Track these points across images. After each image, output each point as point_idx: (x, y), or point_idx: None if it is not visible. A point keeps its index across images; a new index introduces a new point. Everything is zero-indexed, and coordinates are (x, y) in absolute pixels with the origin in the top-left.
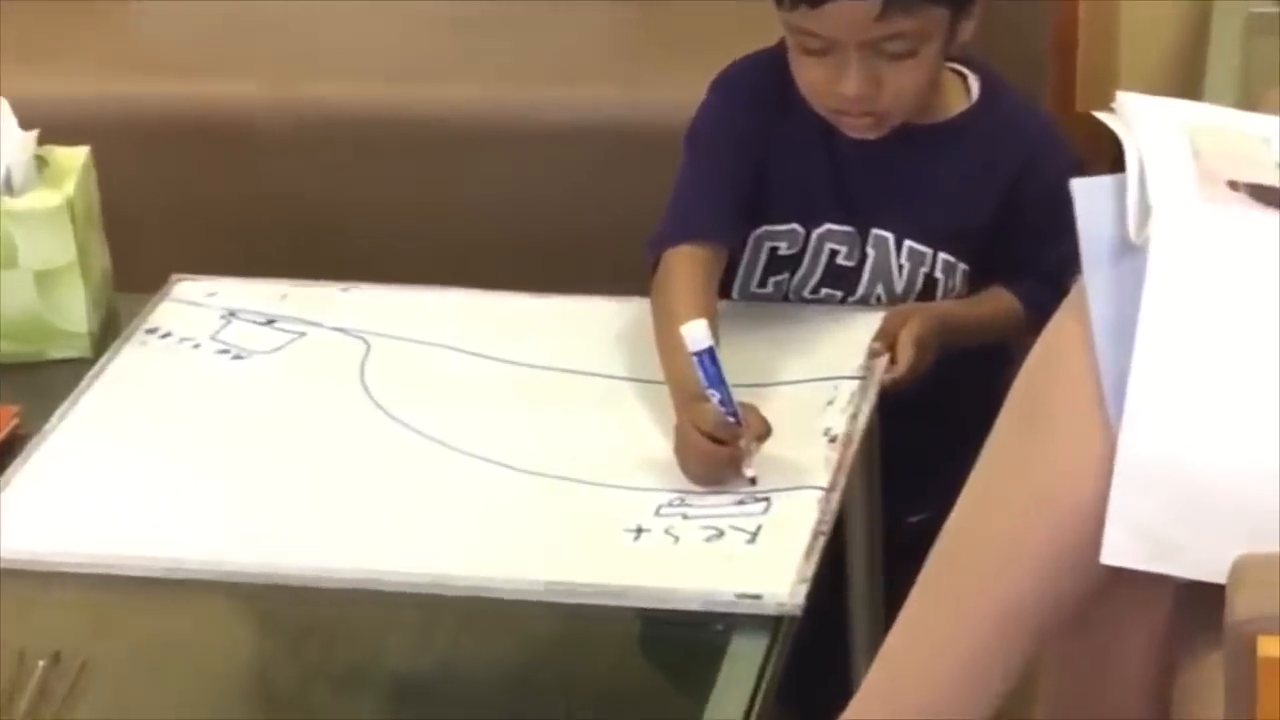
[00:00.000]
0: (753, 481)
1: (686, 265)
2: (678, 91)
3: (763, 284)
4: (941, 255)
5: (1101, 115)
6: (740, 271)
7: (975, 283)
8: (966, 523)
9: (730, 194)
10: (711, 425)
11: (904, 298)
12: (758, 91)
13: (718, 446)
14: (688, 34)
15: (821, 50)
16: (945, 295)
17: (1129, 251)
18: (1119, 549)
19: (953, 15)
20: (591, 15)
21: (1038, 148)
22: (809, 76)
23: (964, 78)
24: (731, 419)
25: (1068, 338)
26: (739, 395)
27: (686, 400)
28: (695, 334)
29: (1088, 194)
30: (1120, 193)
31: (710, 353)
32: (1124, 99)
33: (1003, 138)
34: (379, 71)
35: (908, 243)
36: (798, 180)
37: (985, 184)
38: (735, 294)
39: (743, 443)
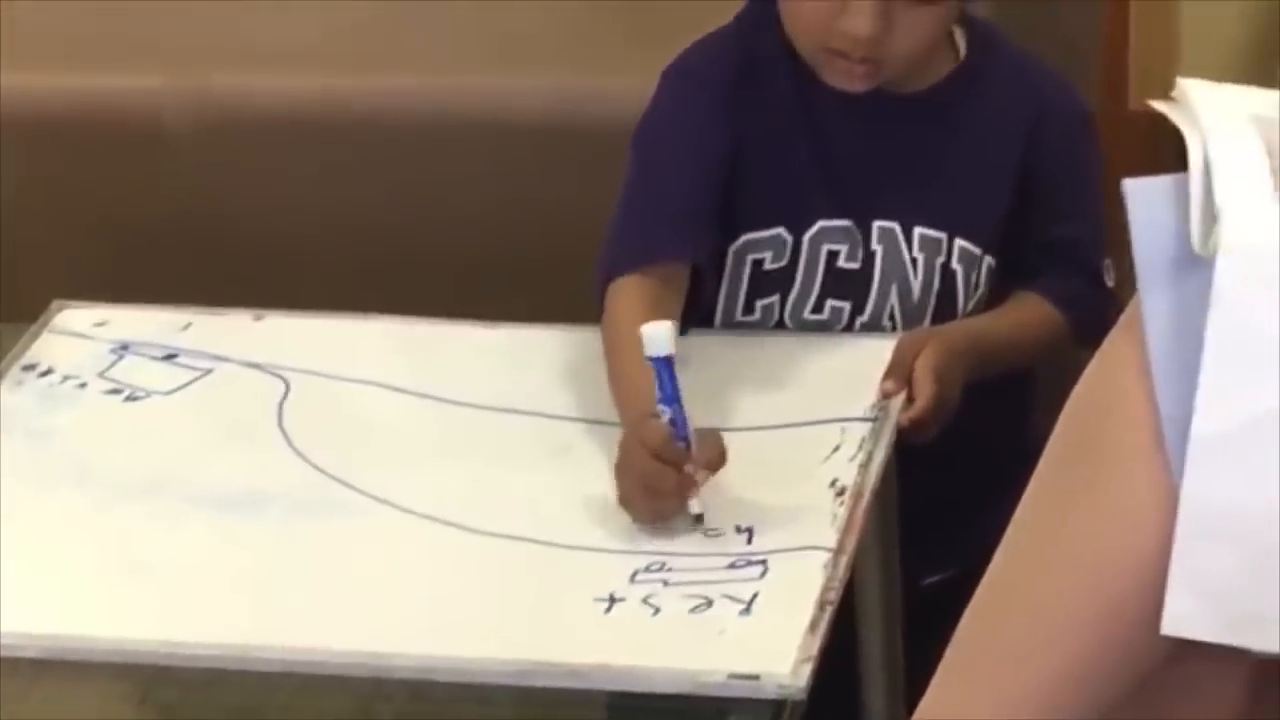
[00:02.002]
0: (699, 519)
1: (634, 296)
2: (650, 81)
3: (749, 310)
4: (959, 241)
5: (1160, 105)
6: (722, 296)
7: (1003, 287)
8: (1002, 586)
9: (689, 200)
10: (658, 443)
11: (922, 302)
12: (720, 76)
13: (661, 467)
14: (664, 11)
15: None
16: (968, 297)
17: (1193, 265)
18: (1184, 618)
19: None
20: None
21: (1046, 98)
22: (808, 7)
23: (949, 34)
24: (682, 443)
25: (1121, 365)
26: (728, 442)
27: (636, 420)
28: (657, 337)
29: (1143, 197)
30: (1182, 195)
31: (669, 362)
32: (1185, 86)
33: (1005, 93)
34: (301, 60)
35: (919, 230)
36: (778, 173)
37: (994, 148)
38: (719, 323)
39: (689, 468)
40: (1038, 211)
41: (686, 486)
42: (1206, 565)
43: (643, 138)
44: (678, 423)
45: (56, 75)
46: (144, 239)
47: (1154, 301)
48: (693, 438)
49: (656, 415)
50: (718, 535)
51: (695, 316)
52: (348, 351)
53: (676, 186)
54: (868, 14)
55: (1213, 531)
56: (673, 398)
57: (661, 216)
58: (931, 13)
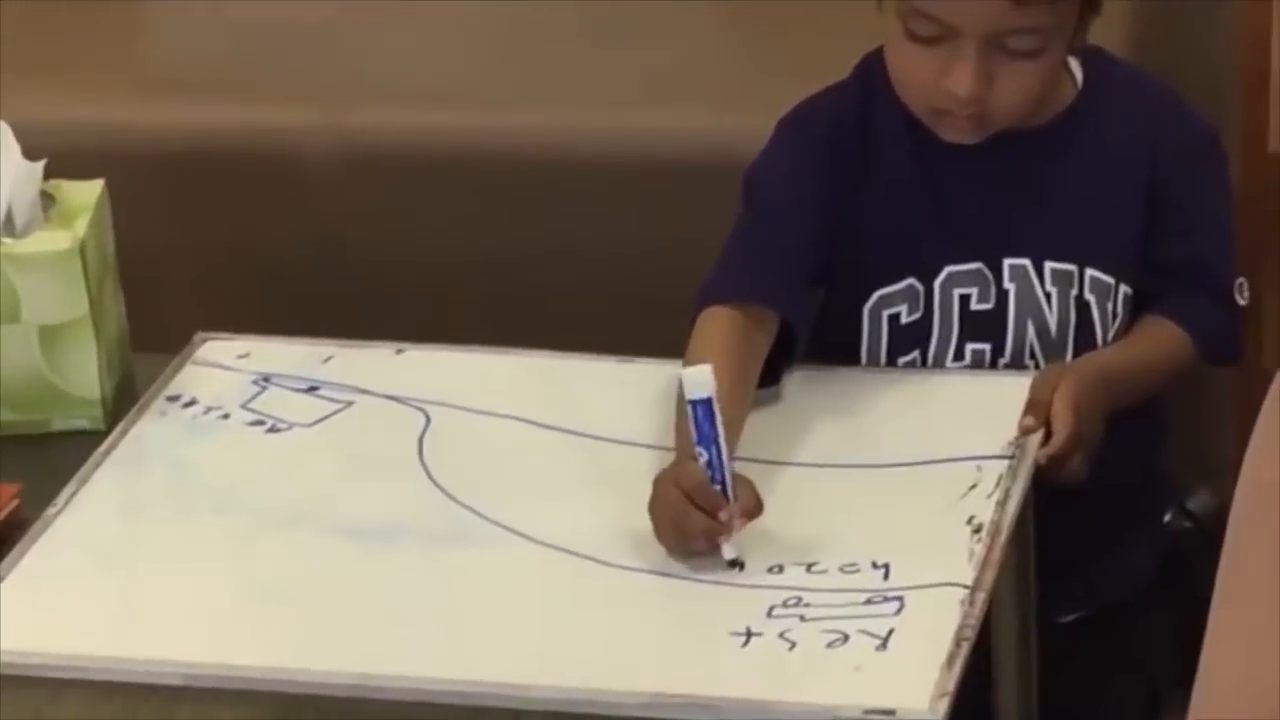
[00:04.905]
0: (732, 564)
1: (719, 328)
2: None
3: (891, 367)
4: (1089, 271)
5: None
6: (863, 354)
7: (1132, 312)
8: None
9: (789, 254)
10: (691, 486)
11: (1060, 337)
12: (835, 131)
13: (692, 510)
14: (798, 47)
15: (934, 39)
16: (1106, 328)
17: None
18: None
19: (1082, 9)
20: (684, 28)
21: (1166, 118)
22: (912, 67)
23: (1064, 65)
24: (718, 486)
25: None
26: (865, 478)
27: (678, 458)
28: (696, 378)
29: None
30: None
31: (708, 404)
32: None
33: (1124, 117)
34: (443, 96)
35: (1049, 264)
36: (901, 224)
37: (1118, 174)
38: None
39: (723, 515)
40: (1163, 232)
41: (717, 532)
42: None
43: (752, 183)
44: (714, 466)
45: (201, 110)
46: (286, 272)
47: None
48: (730, 482)
49: (696, 456)
50: (854, 571)
51: (788, 366)
52: (487, 385)
53: (779, 238)
54: (968, 75)
55: None
56: (710, 439)
57: (761, 261)
58: (1034, 66)
